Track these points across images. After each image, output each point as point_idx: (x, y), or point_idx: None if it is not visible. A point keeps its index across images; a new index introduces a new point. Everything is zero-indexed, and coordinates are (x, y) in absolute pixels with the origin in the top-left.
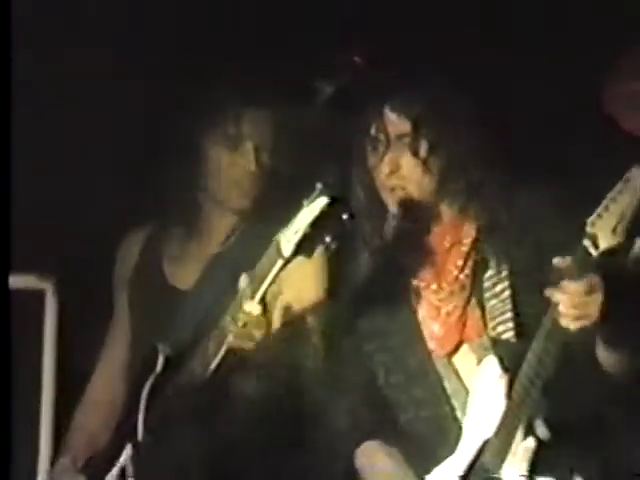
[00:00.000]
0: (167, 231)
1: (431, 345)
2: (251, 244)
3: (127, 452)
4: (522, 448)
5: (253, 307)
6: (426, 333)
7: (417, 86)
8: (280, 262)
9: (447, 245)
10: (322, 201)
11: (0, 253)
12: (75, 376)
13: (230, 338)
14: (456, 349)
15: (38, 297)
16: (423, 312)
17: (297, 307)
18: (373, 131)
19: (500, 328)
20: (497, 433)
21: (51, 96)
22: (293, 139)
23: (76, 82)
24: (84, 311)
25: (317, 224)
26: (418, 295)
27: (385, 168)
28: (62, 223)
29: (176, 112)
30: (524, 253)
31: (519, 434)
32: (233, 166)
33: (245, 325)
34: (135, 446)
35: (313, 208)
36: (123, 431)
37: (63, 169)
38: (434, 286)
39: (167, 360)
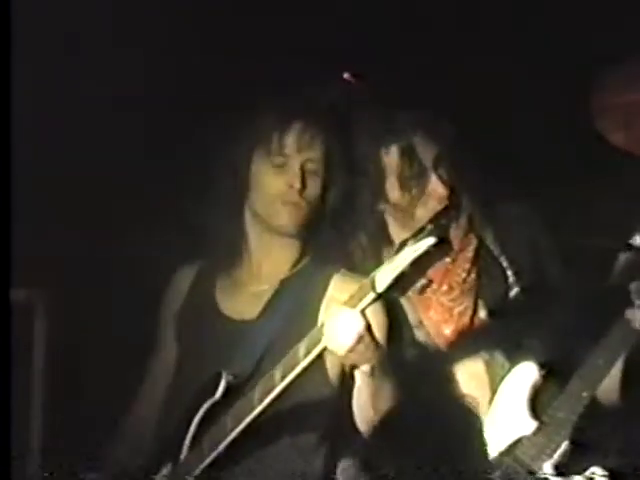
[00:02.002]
0: (217, 264)
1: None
2: (316, 277)
3: (167, 469)
4: (563, 447)
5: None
6: (435, 336)
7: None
8: (372, 296)
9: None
10: (429, 241)
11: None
12: (64, 389)
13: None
14: None
15: (27, 312)
16: (433, 315)
17: None
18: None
19: None
20: (539, 432)
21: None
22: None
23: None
24: (73, 327)
25: (417, 263)
26: (426, 300)
27: (439, 191)
28: (54, 240)
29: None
30: (528, 257)
31: (563, 434)
32: (278, 183)
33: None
34: (175, 465)
35: (418, 247)
36: (163, 449)
37: (60, 178)
38: (445, 287)
39: (228, 387)
